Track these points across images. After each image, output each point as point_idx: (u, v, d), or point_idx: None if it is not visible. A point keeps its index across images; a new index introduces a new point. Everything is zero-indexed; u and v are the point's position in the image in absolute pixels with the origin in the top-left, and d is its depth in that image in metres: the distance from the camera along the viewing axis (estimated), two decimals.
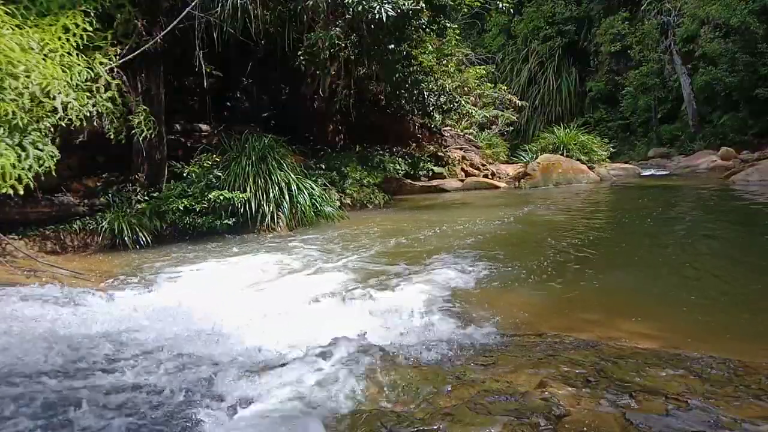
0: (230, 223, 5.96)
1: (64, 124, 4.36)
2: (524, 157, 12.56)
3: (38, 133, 4.17)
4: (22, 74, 3.94)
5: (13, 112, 3.85)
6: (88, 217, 5.72)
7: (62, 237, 5.50)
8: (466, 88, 11.96)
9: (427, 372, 2.03)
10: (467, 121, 13.69)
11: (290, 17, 7.59)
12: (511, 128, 17.87)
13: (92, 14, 4.75)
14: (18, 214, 5.25)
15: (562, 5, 23.66)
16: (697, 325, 2.64)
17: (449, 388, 1.86)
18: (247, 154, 6.59)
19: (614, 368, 1.97)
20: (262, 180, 6.37)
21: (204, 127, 7.98)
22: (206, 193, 6.00)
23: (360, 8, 6.85)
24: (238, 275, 4.11)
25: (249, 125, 8.09)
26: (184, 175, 6.53)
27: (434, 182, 10.67)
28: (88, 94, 4.71)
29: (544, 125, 21.38)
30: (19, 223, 5.31)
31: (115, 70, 5.27)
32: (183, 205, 5.90)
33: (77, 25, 4.56)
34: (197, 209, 5.95)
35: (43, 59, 4.20)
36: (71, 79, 4.45)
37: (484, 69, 13.44)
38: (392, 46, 8.18)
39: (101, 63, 4.97)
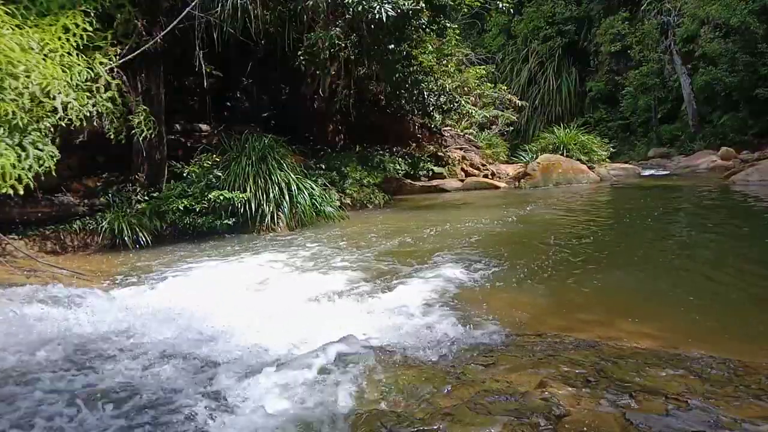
0: (230, 223, 5.96)
1: (64, 124, 4.36)
2: (524, 157, 12.56)
3: (38, 133, 4.17)
4: (22, 74, 3.94)
5: (13, 112, 3.85)
6: (88, 217, 5.73)
7: (62, 237, 5.50)
8: (466, 88, 11.95)
9: (427, 372, 2.03)
10: (467, 121, 13.69)
11: (290, 17, 7.59)
12: (511, 128, 17.87)
13: (92, 14, 4.75)
14: (18, 214, 5.25)
15: (562, 5, 23.66)
16: (697, 325, 2.64)
17: (449, 388, 1.86)
18: (247, 154, 6.59)
19: (614, 368, 1.97)
20: (262, 180, 6.37)
21: (204, 127, 7.98)
22: (206, 193, 6.00)
23: (360, 8, 6.85)
24: (238, 275, 4.11)
25: (249, 125, 8.10)
26: (184, 175, 6.54)
27: (434, 182, 10.67)
28: (88, 94, 4.71)
29: (544, 125, 21.37)
30: (19, 223, 5.32)
31: (115, 70, 5.27)
32: (183, 205, 5.90)
33: (77, 25, 4.56)
34: (197, 209, 5.95)
35: (43, 59, 4.20)
36: (71, 79, 4.45)
37: (484, 69, 13.44)
38: (392, 46, 8.18)
39: (101, 63, 4.98)
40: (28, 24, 4.31)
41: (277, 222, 6.24)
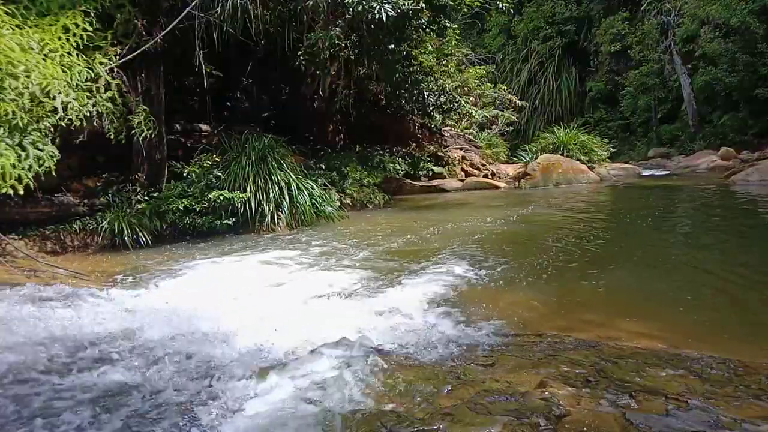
0: (230, 223, 5.96)
1: (64, 124, 4.36)
2: (524, 157, 12.56)
3: (38, 133, 4.17)
4: (22, 74, 3.94)
5: (13, 112, 3.85)
6: (88, 217, 5.72)
7: (62, 237, 5.50)
8: (466, 88, 11.96)
9: (427, 372, 2.03)
10: (467, 121, 13.69)
11: (290, 17, 7.59)
12: (511, 128, 17.87)
13: (92, 14, 4.75)
14: (18, 214, 5.25)
15: (562, 5, 23.67)
16: (697, 325, 2.64)
17: (449, 388, 1.86)
18: (247, 154, 6.59)
19: (614, 368, 1.97)
20: (262, 180, 6.37)
21: (204, 127, 7.98)
22: (206, 193, 6.00)
23: (360, 8, 6.85)
24: (238, 275, 4.12)
25: (249, 125, 8.10)
26: (184, 175, 6.54)
27: (434, 182, 10.67)
28: (88, 94, 4.71)
29: (544, 125, 21.39)
30: (19, 223, 5.31)
31: (115, 70, 5.27)
32: (183, 205, 5.90)
33: (77, 25, 4.56)
34: (197, 209, 5.95)
35: (43, 59, 4.20)
36: (71, 79, 4.45)
37: (484, 69, 13.44)
38: (392, 46, 8.18)
39: (101, 63, 4.98)
40: (28, 24, 4.31)
41: (277, 222, 6.24)
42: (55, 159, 4.23)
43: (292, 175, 6.68)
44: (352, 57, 8.52)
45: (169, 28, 5.80)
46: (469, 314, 2.87)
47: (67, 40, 4.51)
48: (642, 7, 20.58)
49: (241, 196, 6.03)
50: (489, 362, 2.11)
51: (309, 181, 6.91)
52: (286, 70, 8.54)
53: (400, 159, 10.19)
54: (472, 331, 2.56)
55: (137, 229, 5.65)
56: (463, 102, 10.93)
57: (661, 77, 19.71)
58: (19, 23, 4.18)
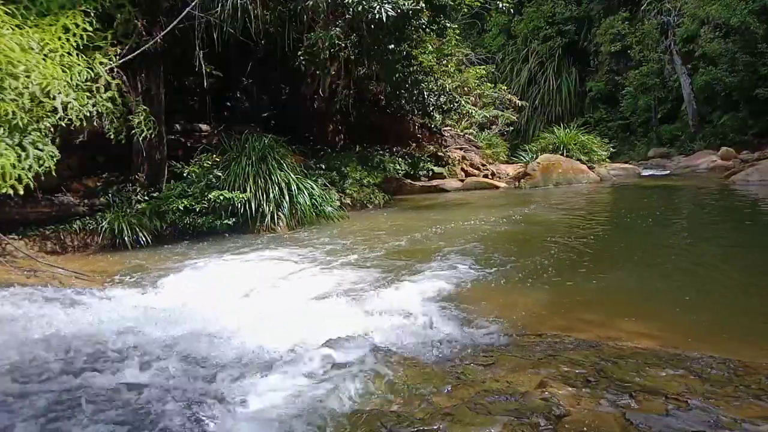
0: (230, 223, 5.96)
1: (64, 124, 4.36)
2: (524, 157, 12.56)
3: (38, 133, 4.17)
4: (22, 74, 3.94)
5: (13, 112, 3.85)
6: (88, 217, 5.72)
7: (62, 237, 5.50)
8: (466, 88, 11.95)
9: (427, 372, 2.03)
10: (467, 121, 13.69)
11: (290, 17, 7.59)
12: (511, 128, 17.87)
13: (92, 14, 4.75)
14: (18, 214, 5.25)
15: (562, 5, 23.66)
16: (697, 325, 2.64)
17: (449, 388, 1.86)
18: (247, 154, 6.59)
19: (614, 368, 1.97)
20: (262, 180, 6.37)
21: (204, 127, 7.98)
22: (206, 193, 6.00)
23: (360, 8, 6.85)
24: (238, 275, 4.11)
25: (249, 125, 8.09)
26: (184, 175, 6.53)
27: (434, 182, 10.67)
28: (88, 94, 4.71)
29: (544, 125, 21.38)
30: (19, 223, 5.31)
31: (115, 70, 5.27)
32: (183, 205, 5.90)
33: (77, 25, 4.56)
34: (197, 209, 5.95)
35: (43, 59, 4.20)
36: (71, 79, 4.45)
37: (484, 69, 13.44)
38: (392, 46, 8.18)
39: (101, 63, 4.97)
40: (28, 24, 4.31)
41: (277, 222, 6.24)
42: (55, 159, 4.23)
43: (292, 175, 6.68)
44: (352, 57, 8.52)
45: (169, 28, 5.80)
46: (469, 314, 2.87)
47: (67, 40, 4.51)
48: (642, 7, 20.58)
49: (241, 196, 6.03)
50: (489, 362, 2.11)
51: (309, 181, 6.91)
52: (286, 70, 8.54)
53: (400, 159, 10.18)
54: (472, 331, 2.56)
55: (137, 229, 5.65)
56: (463, 102, 10.92)
57: (661, 77, 19.71)
58: (19, 23, 4.18)
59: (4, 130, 3.86)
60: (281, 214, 6.30)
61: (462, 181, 11.09)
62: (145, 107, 5.76)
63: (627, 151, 19.80)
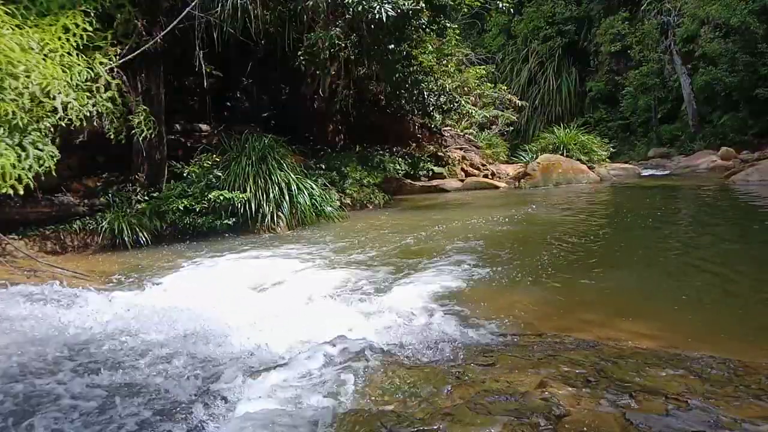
0: (230, 223, 5.96)
1: (64, 124, 4.36)
2: (524, 157, 12.56)
3: (38, 133, 4.17)
4: (22, 74, 3.94)
5: (13, 112, 3.85)
6: (88, 217, 5.72)
7: (62, 237, 5.50)
8: (466, 88, 11.95)
9: (427, 372, 2.02)
10: (467, 121, 13.69)
11: (290, 17, 7.59)
12: (511, 128, 17.87)
13: (92, 14, 4.75)
14: (18, 214, 5.25)
15: (562, 5, 23.67)
16: (697, 325, 2.64)
17: (449, 388, 1.86)
18: (247, 154, 6.59)
19: (614, 368, 1.97)
20: (262, 180, 6.37)
21: (204, 127, 7.98)
22: (206, 193, 6.00)
23: (360, 8, 6.85)
24: (238, 275, 4.11)
25: (249, 125, 8.10)
26: (184, 175, 6.54)
27: (434, 182, 10.67)
28: (88, 94, 4.71)
29: (544, 125, 21.38)
30: (19, 223, 5.31)
31: (115, 70, 5.27)
32: (183, 205, 5.90)
33: (77, 25, 4.56)
34: (197, 209, 5.95)
35: (43, 59, 4.20)
36: (71, 79, 4.45)
37: (484, 69, 13.44)
38: (392, 46, 8.18)
39: (101, 63, 4.98)
40: (28, 24, 4.31)
41: (277, 222, 6.24)
42: (55, 159, 4.23)
43: (292, 175, 6.68)
44: (352, 57, 8.52)
45: (169, 28, 5.80)
46: (469, 314, 2.87)
47: (67, 40, 4.51)
48: (642, 7, 20.58)
49: (241, 196, 6.03)
50: (489, 362, 2.11)
51: (309, 181, 6.91)
52: (286, 70, 8.54)
53: (400, 159, 10.18)
54: (473, 331, 2.56)
55: (137, 229, 5.65)
56: (463, 102, 10.93)
57: (661, 77, 19.72)
58: (19, 23, 4.18)
59: (4, 130, 3.86)
60: (281, 214, 6.30)
61: (462, 181, 11.09)
62: (145, 107, 5.76)
63: (627, 151, 19.80)
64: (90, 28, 4.67)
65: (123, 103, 5.36)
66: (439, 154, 11.44)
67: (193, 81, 7.86)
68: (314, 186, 6.91)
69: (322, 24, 7.46)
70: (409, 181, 10.27)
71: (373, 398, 1.83)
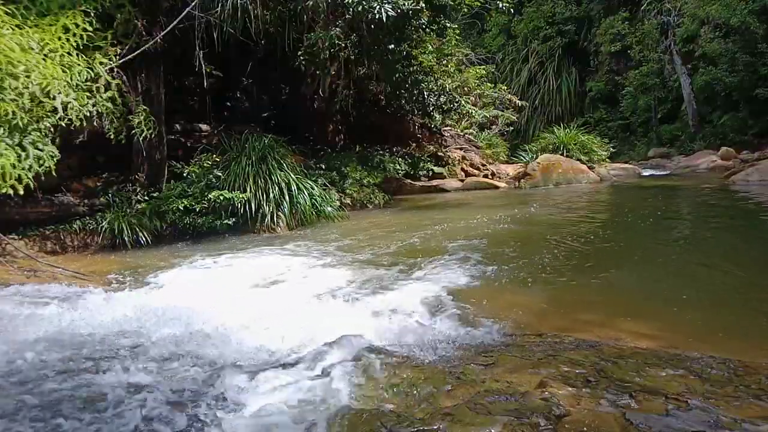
0: (230, 223, 5.96)
1: (64, 124, 4.36)
2: (524, 157, 12.56)
3: (38, 133, 4.17)
4: (22, 74, 3.94)
5: (13, 112, 3.85)
6: (88, 217, 5.72)
7: (62, 237, 5.50)
8: (466, 88, 11.95)
9: (427, 372, 2.03)
10: (467, 121, 13.69)
11: (290, 17, 7.59)
12: (511, 128, 17.87)
13: (92, 14, 4.75)
14: (18, 214, 5.25)
15: (562, 5, 23.67)
16: (697, 325, 2.64)
17: (449, 388, 1.86)
18: (247, 154, 6.59)
19: (614, 368, 1.97)
20: (262, 180, 6.37)
21: (204, 127, 7.98)
22: (206, 193, 6.00)
23: (360, 8, 6.85)
24: (238, 275, 4.11)
25: (249, 125, 8.09)
26: (184, 175, 6.54)
27: (434, 182, 10.66)
28: (88, 94, 4.71)
29: (544, 125, 21.39)
30: (19, 223, 5.31)
31: (115, 70, 5.26)
32: (183, 205, 5.90)
33: (77, 25, 4.56)
34: (197, 209, 5.95)
35: (43, 59, 4.20)
36: (71, 79, 4.45)
37: (484, 69, 13.44)
38: (392, 46, 8.18)
39: (101, 63, 4.97)
40: (28, 24, 4.31)
41: (277, 222, 6.24)
42: (55, 159, 4.22)
43: (292, 175, 6.68)
44: (352, 57, 8.52)
45: (169, 28, 5.80)
46: (469, 314, 2.86)
47: (67, 40, 4.51)
48: (642, 7, 20.58)
49: (241, 196, 6.03)
50: (489, 362, 2.11)
51: (309, 181, 6.91)
52: (286, 70, 8.54)
53: (400, 159, 10.18)
54: (473, 331, 2.56)
55: (137, 229, 5.65)
56: (463, 102, 10.92)
57: (661, 77, 19.72)
58: (19, 23, 4.18)
59: (4, 130, 3.86)
60: (281, 214, 6.30)
61: (462, 181, 11.08)
62: (145, 107, 5.76)
63: (627, 151, 19.80)
64: (90, 28, 4.66)
65: (123, 103, 5.36)
66: (439, 154, 11.44)
67: (193, 81, 7.86)
68: (314, 186, 6.91)
69: (322, 24, 7.46)
70: (409, 181, 10.26)
71: (373, 398, 1.83)
